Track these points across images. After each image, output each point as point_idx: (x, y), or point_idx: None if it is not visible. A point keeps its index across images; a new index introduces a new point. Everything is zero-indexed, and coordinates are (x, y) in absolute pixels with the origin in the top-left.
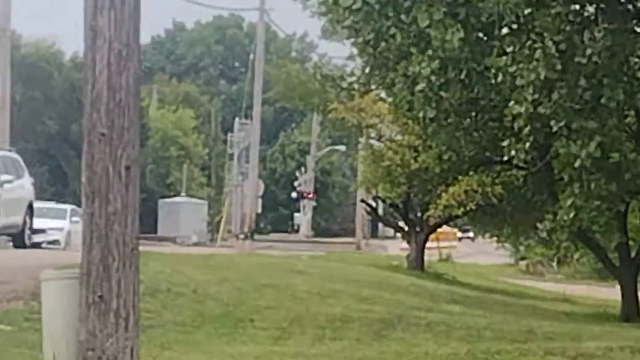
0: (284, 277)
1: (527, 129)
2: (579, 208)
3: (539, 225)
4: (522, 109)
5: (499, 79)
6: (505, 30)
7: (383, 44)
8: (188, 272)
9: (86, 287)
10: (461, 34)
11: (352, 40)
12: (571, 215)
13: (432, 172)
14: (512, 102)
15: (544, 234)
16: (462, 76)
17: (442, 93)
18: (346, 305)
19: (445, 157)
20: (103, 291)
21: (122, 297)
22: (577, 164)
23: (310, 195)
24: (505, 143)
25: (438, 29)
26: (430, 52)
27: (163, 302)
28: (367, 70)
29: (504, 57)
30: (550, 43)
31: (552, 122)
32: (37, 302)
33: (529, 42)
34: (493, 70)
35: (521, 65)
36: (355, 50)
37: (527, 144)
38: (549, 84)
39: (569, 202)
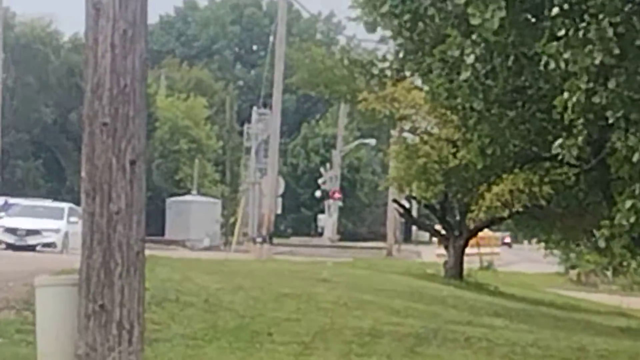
0: (306, 286)
1: (580, 121)
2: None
3: (595, 232)
4: (575, 99)
5: (551, 66)
6: (555, 11)
7: (420, 25)
8: (199, 279)
9: (86, 295)
10: (502, 13)
11: (386, 22)
12: (631, 219)
13: (473, 169)
14: (565, 93)
15: (601, 243)
16: (510, 63)
17: (489, 82)
18: (376, 318)
19: (488, 151)
20: (104, 300)
21: (126, 306)
22: (635, 159)
23: (336, 195)
24: (557, 143)
25: (477, 7)
26: (474, 36)
27: (171, 313)
28: (401, 54)
29: (555, 43)
30: (607, 25)
31: (609, 113)
32: (31, 312)
33: (583, 24)
34: (545, 58)
35: (574, 50)
36: (388, 33)
37: (580, 139)
38: (605, 70)
39: (628, 204)
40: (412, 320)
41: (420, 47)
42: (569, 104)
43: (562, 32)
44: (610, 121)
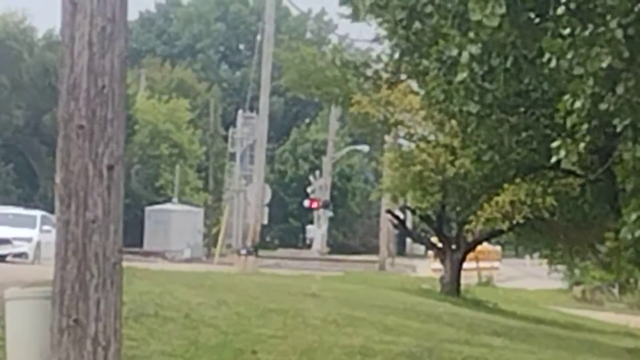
0: (294, 301)
1: (584, 127)
2: None
3: (599, 246)
4: (580, 104)
5: (552, 63)
6: (561, 10)
7: (417, 24)
8: (179, 293)
9: (59, 309)
10: (502, 10)
11: (380, 20)
12: (637, 233)
13: (472, 178)
14: (567, 96)
15: (605, 256)
16: (509, 64)
17: (487, 84)
18: (367, 336)
19: (485, 158)
20: (79, 314)
21: (102, 321)
22: None
23: (315, 204)
24: (555, 144)
25: (478, 3)
26: (471, 34)
27: (150, 329)
28: (396, 55)
29: (560, 41)
30: (615, 26)
31: (616, 121)
32: (0, 327)
33: (591, 25)
34: (547, 55)
35: (580, 51)
36: (382, 32)
37: (582, 145)
38: (613, 74)
39: (633, 216)
40: (405, 338)
41: (416, 47)
42: (573, 108)
43: (567, 31)
44: (618, 129)
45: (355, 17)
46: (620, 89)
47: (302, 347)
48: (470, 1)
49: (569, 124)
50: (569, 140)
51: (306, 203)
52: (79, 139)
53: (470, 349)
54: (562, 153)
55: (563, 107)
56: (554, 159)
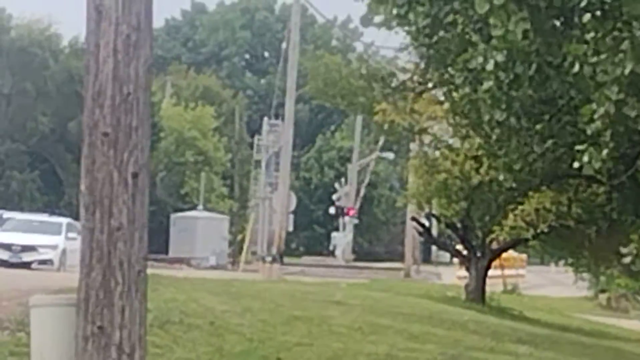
0: (319, 309)
1: (607, 133)
2: None
3: (623, 249)
4: (603, 110)
5: (576, 68)
6: (587, 17)
7: (441, 32)
8: (204, 300)
9: (84, 316)
10: (527, 25)
11: (406, 29)
12: None
13: (497, 187)
14: (593, 104)
15: (627, 260)
16: (532, 71)
17: (513, 92)
18: (392, 344)
19: (516, 167)
20: (104, 321)
21: (126, 328)
22: None
23: (352, 212)
24: (578, 147)
25: (499, 17)
26: (494, 41)
27: (174, 336)
28: (421, 65)
29: (584, 45)
30: (638, 31)
31: None
32: (25, 333)
33: (615, 32)
34: (570, 59)
35: (603, 56)
36: (408, 40)
37: (605, 152)
38: (637, 80)
39: None
40: (430, 346)
41: (442, 56)
42: (596, 115)
43: (591, 35)
44: None
45: (365, 21)
46: None
47: (327, 355)
48: (491, 16)
49: (592, 130)
50: (592, 148)
51: (331, 210)
52: (103, 147)
53: (495, 356)
54: (585, 159)
55: (587, 113)
56: (576, 165)
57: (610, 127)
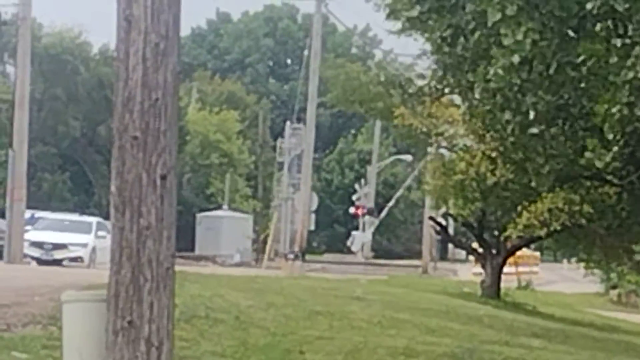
0: (340, 304)
1: (617, 131)
2: None
3: (634, 247)
4: (616, 110)
5: (589, 63)
6: (599, 27)
7: (461, 39)
8: (229, 296)
9: (114, 311)
10: (536, 36)
11: (427, 36)
12: None
13: (511, 187)
14: (605, 105)
15: (638, 257)
16: (552, 71)
17: (522, 96)
18: (411, 337)
19: (544, 171)
20: (133, 316)
21: (155, 322)
22: None
23: (360, 211)
24: (589, 144)
25: (510, 27)
26: (512, 45)
27: (200, 330)
28: (439, 72)
29: (598, 46)
30: None
31: None
32: (57, 327)
33: (626, 40)
34: (582, 56)
35: (613, 60)
36: (428, 47)
37: (616, 149)
38: None
39: None
40: (447, 339)
41: (460, 63)
42: (608, 115)
43: (603, 44)
44: None
45: (392, 17)
46: None
47: (348, 348)
48: (502, 26)
49: (606, 131)
50: (599, 144)
51: (352, 210)
52: (133, 149)
53: (509, 349)
54: (589, 154)
55: (600, 112)
56: (590, 166)
57: (621, 127)
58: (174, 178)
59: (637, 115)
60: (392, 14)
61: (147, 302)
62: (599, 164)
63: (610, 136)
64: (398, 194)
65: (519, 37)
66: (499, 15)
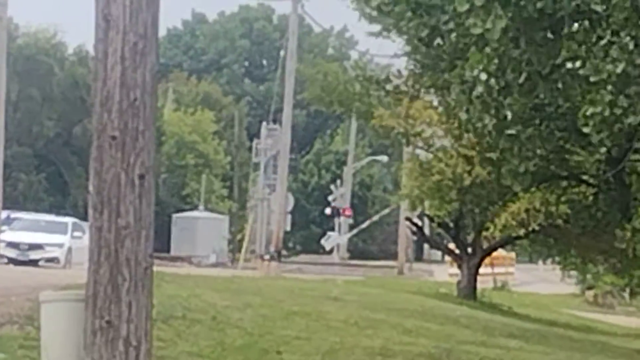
0: (316, 304)
1: (604, 133)
2: None
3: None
4: (599, 109)
5: (569, 65)
6: (575, 27)
7: (438, 40)
8: (206, 296)
9: (92, 311)
10: (503, 23)
11: (404, 37)
12: None
13: (488, 187)
14: (586, 106)
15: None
16: (522, 79)
17: (501, 98)
18: (387, 338)
19: (520, 170)
20: (111, 316)
21: (133, 322)
22: None
23: (347, 212)
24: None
25: (478, 16)
26: (488, 49)
27: (177, 330)
28: (417, 70)
29: (578, 47)
30: (628, 39)
31: (630, 118)
32: (34, 327)
33: (604, 40)
34: (563, 57)
35: (594, 61)
36: (405, 48)
37: (603, 150)
38: (628, 80)
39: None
40: (424, 340)
41: (437, 62)
42: (593, 116)
43: (583, 48)
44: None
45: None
46: (632, 91)
47: (325, 348)
48: (471, 16)
49: (591, 132)
50: (583, 150)
51: (327, 211)
52: (111, 149)
53: (486, 350)
54: (578, 159)
55: (583, 115)
56: (571, 172)
57: (606, 128)
58: (152, 178)
59: (618, 115)
60: (374, 17)
61: (125, 301)
62: (582, 168)
63: (596, 139)
64: (385, 212)
65: (489, 25)
66: (467, 5)
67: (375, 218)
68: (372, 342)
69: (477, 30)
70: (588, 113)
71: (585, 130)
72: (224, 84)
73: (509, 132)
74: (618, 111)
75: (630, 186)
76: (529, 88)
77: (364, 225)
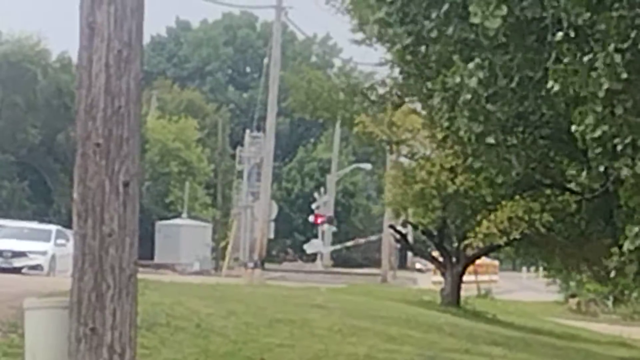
0: (300, 312)
1: (597, 150)
2: None
3: (605, 261)
4: (592, 120)
5: (555, 88)
6: (560, 35)
7: (422, 48)
8: (190, 303)
9: (76, 318)
10: (504, 12)
11: (388, 46)
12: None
13: (471, 195)
14: (577, 119)
15: (612, 270)
16: (514, 84)
17: (489, 106)
18: (371, 345)
19: (498, 180)
20: (96, 323)
21: (118, 329)
22: None
23: (319, 220)
24: (556, 166)
25: (479, 5)
26: (478, 60)
27: (161, 337)
28: (400, 79)
29: (561, 66)
30: (613, 51)
31: (617, 140)
32: (18, 335)
33: (590, 53)
34: (551, 82)
35: (577, 79)
36: (389, 56)
37: (602, 168)
38: (613, 96)
39: (635, 229)
40: (408, 347)
41: (421, 71)
42: (585, 129)
43: (567, 60)
44: (619, 148)
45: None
46: (619, 110)
47: (309, 356)
48: (471, 4)
49: (589, 145)
50: (582, 167)
51: (311, 219)
52: (96, 157)
53: (470, 357)
54: (578, 177)
55: (578, 129)
56: (556, 181)
57: (598, 143)
58: (136, 185)
59: (605, 131)
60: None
61: (109, 309)
62: (585, 183)
63: (591, 154)
64: (371, 238)
65: (488, 12)
66: None
67: (362, 241)
68: (356, 349)
69: (477, 20)
70: (583, 129)
71: (580, 144)
72: (208, 91)
73: (489, 141)
74: (604, 128)
75: (615, 193)
76: (518, 95)
77: (349, 244)
